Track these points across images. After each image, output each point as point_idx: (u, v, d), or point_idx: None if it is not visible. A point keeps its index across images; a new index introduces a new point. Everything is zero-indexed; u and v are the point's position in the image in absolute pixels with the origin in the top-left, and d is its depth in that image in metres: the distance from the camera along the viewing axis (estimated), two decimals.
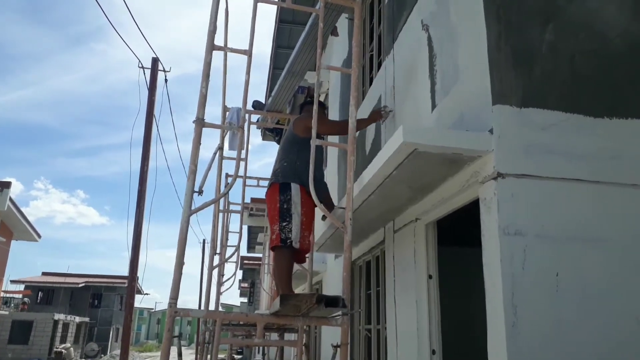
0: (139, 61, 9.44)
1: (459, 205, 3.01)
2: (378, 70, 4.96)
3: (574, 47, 2.78)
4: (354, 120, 3.42)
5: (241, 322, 5.21)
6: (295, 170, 3.44)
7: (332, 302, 2.52)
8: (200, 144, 3.04)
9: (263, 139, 10.33)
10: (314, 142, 3.23)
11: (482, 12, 2.72)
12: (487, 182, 2.54)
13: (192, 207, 2.93)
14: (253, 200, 13.23)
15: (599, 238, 2.49)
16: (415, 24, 3.77)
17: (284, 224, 3.34)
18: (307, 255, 4.21)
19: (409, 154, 2.64)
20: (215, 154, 3.55)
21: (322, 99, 8.21)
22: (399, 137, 2.54)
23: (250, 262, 22.04)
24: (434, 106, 3.28)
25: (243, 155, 5.03)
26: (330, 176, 6.62)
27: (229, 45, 3.52)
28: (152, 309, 59.16)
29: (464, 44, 2.95)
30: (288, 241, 3.30)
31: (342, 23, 6.37)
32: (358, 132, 4.92)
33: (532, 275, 2.38)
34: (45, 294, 33.87)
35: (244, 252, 20.79)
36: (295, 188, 3.38)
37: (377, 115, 4.01)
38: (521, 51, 2.69)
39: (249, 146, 5.33)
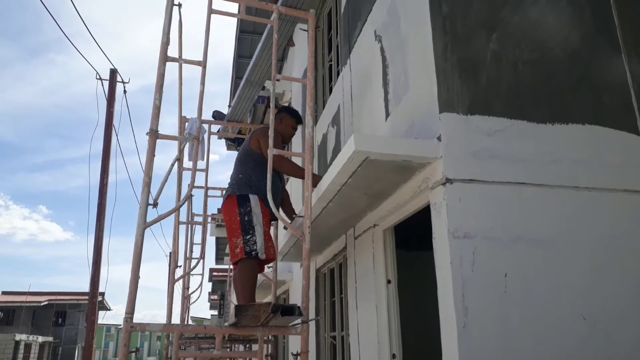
0: (97, 73, 9.27)
1: (413, 210, 3.08)
2: (337, 79, 5.03)
3: (517, 56, 2.90)
4: (310, 130, 3.46)
5: (206, 335, 5.15)
6: (251, 183, 3.42)
7: (289, 310, 2.53)
8: (154, 155, 3.02)
9: (227, 149, 10.28)
10: (272, 151, 3.26)
11: (429, 23, 2.81)
12: (436, 188, 2.61)
13: (149, 220, 2.91)
14: (220, 211, 13.09)
15: (544, 239, 2.60)
16: (369, 34, 3.86)
17: (248, 236, 3.26)
18: (271, 265, 4.21)
19: (361, 162, 2.70)
20: (172, 165, 3.53)
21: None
22: (351, 145, 2.59)
23: (219, 274, 21.73)
24: (387, 115, 3.36)
25: (203, 166, 5.00)
26: (293, 185, 6.64)
27: (189, 56, 3.52)
28: (120, 325, 57.48)
29: (413, 54, 3.04)
30: (253, 253, 3.24)
31: (303, 33, 6.43)
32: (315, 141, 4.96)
33: (481, 276, 2.46)
34: (5, 314, 32.54)
35: (212, 264, 20.50)
36: (254, 199, 3.32)
37: None
38: (467, 61, 2.79)
39: (215, 156, 5.30)
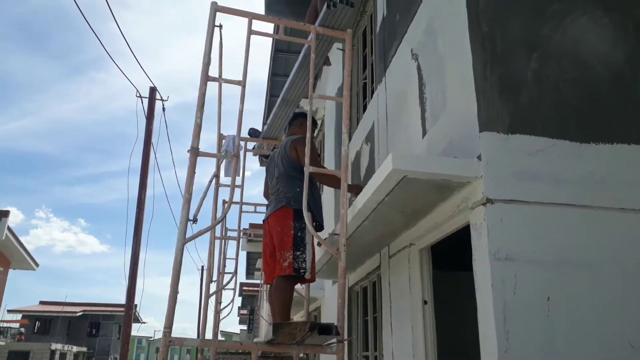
0: (137, 90, 9.58)
1: (451, 230, 3.04)
2: (371, 97, 5.05)
3: (559, 75, 2.85)
4: (346, 148, 3.47)
5: (237, 350, 5.17)
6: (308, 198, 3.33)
7: (326, 329, 2.52)
8: (194, 172, 3.09)
9: (260, 165, 10.40)
10: (307, 169, 3.28)
11: (468, 43, 2.80)
12: (476, 208, 2.57)
13: (188, 235, 2.96)
14: (252, 225, 13.19)
15: (589, 262, 2.52)
16: (405, 53, 3.87)
17: (298, 253, 3.25)
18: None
19: (399, 181, 2.69)
20: (210, 181, 3.60)
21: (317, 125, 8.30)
22: (388, 164, 2.59)
23: (250, 288, 21.85)
24: (424, 133, 3.35)
25: (239, 182, 5.08)
26: (327, 202, 6.65)
27: (225, 74, 3.61)
28: (151, 337, 58.31)
29: (451, 73, 3.03)
30: (301, 271, 3.21)
31: (336, 51, 6.51)
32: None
33: (523, 300, 2.39)
34: (42, 324, 33.49)
35: (242, 278, 20.64)
36: (309, 217, 3.21)
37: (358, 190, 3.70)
38: (507, 80, 2.76)
39: (247, 172, 5.38)
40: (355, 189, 3.79)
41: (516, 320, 2.35)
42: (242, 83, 3.29)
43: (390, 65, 4.26)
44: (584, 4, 3.00)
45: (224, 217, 3.11)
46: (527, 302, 2.39)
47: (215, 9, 3.31)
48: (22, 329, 28.23)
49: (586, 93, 2.85)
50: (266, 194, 4.06)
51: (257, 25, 3.42)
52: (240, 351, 5.26)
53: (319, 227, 3.63)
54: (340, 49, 5.70)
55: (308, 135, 3.37)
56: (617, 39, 3.01)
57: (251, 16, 3.36)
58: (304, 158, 3.26)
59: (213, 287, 5.34)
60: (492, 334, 2.33)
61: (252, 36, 3.44)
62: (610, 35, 3.00)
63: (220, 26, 3.46)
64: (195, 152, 3.06)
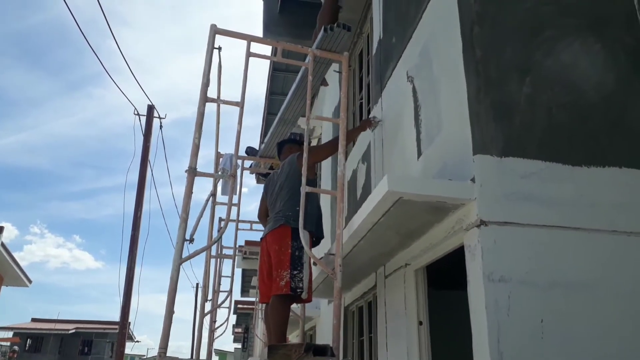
0: (135, 108, 9.64)
1: (446, 251, 3.07)
2: (367, 117, 5.11)
3: (551, 99, 2.91)
4: (342, 168, 3.51)
5: None
6: (306, 216, 3.29)
7: (321, 350, 2.53)
8: (192, 192, 3.12)
9: (257, 182, 10.44)
10: (304, 188, 3.32)
11: (462, 67, 2.86)
12: (470, 230, 2.60)
13: (184, 255, 2.97)
14: (247, 243, 13.16)
15: (582, 284, 2.54)
16: (401, 75, 3.93)
17: (295, 272, 3.26)
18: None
19: (394, 202, 2.72)
20: (207, 201, 3.62)
21: (314, 143, 8.36)
22: (384, 186, 2.63)
23: (244, 306, 21.68)
24: (419, 154, 3.39)
25: (234, 200, 5.09)
26: (324, 222, 6.66)
27: (223, 89, 3.67)
28: (144, 355, 57.46)
29: (445, 96, 3.09)
30: (298, 290, 3.23)
31: (333, 72, 6.59)
32: (349, 161, 5.01)
33: (517, 321, 2.41)
34: (34, 341, 33.01)
35: (237, 296, 20.49)
36: (306, 236, 3.24)
37: (367, 123, 4.26)
38: (500, 104, 2.81)
39: (244, 189, 5.40)
40: (365, 124, 4.24)
41: (510, 341, 2.36)
42: (241, 104, 3.34)
43: (386, 86, 4.32)
44: (576, 30, 3.08)
45: (220, 238, 3.12)
46: (521, 324, 2.41)
47: (215, 31, 3.38)
48: (16, 347, 27.82)
49: (578, 117, 2.90)
50: (261, 215, 4.10)
51: (256, 47, 3.49)
52: None
53: (318, 240, 3.68)
54: (337, 71, 5.79)
55: (305, 155, 3.41)
56: (609, 64, 3.08)
57: (250, 39, 3.43)
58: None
59: (208, 306, 5.31)
60: (486, 356, 2.34)
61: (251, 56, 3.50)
62: (602, 61, 3.07)
63: (220, 48, 3.52)
64: (192, 172, 3.09)
